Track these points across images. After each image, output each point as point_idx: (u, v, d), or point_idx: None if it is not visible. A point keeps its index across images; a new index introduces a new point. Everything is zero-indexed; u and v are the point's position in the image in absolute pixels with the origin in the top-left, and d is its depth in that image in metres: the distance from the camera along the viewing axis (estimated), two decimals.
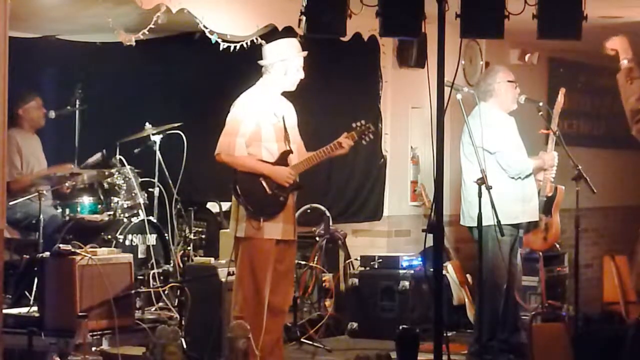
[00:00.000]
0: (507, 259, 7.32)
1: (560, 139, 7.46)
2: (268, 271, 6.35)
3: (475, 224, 7.27)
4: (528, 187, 7.43)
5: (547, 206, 7.57)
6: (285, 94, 6.62)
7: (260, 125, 6.38)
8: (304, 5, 5.65)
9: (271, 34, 7.67)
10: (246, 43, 7.35)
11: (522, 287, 7.97)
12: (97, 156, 8.31)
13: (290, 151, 6.46)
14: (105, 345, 6.70)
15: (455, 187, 8.37)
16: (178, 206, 8.39)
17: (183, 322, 6.97)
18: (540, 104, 7.63)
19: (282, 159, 6.43)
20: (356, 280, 8.53)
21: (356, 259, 8.77)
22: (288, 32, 7.52)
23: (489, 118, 7.25)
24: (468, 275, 8.70)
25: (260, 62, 6.51)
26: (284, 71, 6.46)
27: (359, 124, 6.51)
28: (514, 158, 7.34)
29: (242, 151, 6.34)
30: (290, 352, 7.51)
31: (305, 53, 6.57)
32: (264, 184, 6.35)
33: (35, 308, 7.03)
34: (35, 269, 7.20)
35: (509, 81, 7.54)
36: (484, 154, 7.12)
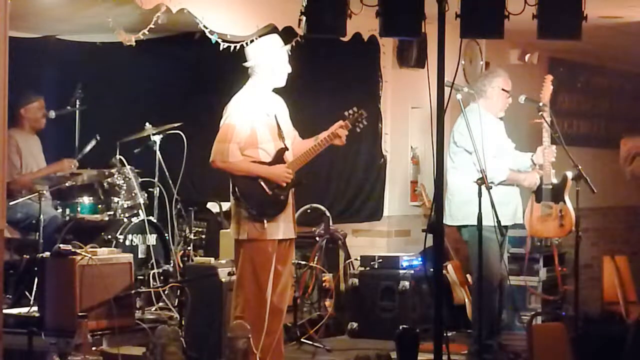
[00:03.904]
0: (497, 259, 7.33)
1: (560, 139, 7.46)
2: (270, 272, 6.34)
3: (460, 223, 7.44)
4: (505, 190, 7.41)
5: (555, 193, 7.49)
6: (284, 94, 6.61)
7: (255, 128, 6.35)
8: (304, 5, 5.65)
9: (270, 34, 7.67)
10: (246, 43, 7.34)
11: (510, 287, 7.91)
12: (92, 144, 8.32)
13: (286, 148, 6.45)
14: (105, 345, 6.70)
15: None
16: (178, 206, 8.39)
17: (183, 322, 6.97)
18: (541, 104, 7.63)
19: (278, 157, 6.41)
20: (356, 280, 8.53)
21: (356, 259, 8.77)
22: (288, 32, 7.53)
23: (477, 119, 7.19)
24: (468, 275, 8.71)
25: (245, 64, 6.50)
26: (271, 69, 6.44)
27: (351, 111, 6.47)
28: (488, 164, 7.17)
29: (236, 156, 6.32)
30: (290, 352, 7.50)
31: (288, 46, 6.55)
32: (263, 185, 6.34)
33: (35, 308, 7.03)
34: (35, 269, 7.20)
35: (503, 89, 7.54)
36: (461, 151, 7.26)
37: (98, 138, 8.32)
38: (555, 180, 7.52)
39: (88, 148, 8.34)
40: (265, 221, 6.30)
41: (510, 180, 7.44)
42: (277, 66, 6.45)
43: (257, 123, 6.37)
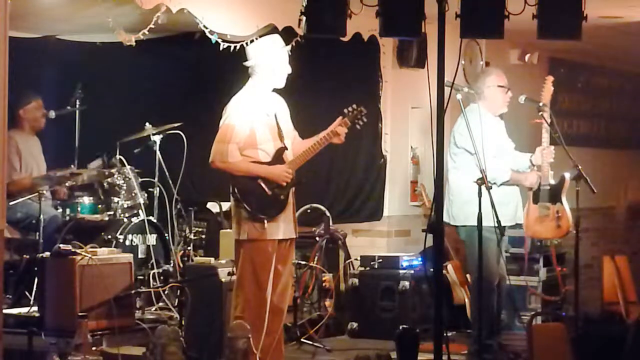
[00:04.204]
0: (495, 259, 7.33)
1: (560, 139, 7.45)
2: (270, 272, 6.34)
3: (462, 224, 7.42)
4: (505, 190, 7.41)
5: (553, 194, 7.49)
6: (284, 94, 6.60)
7: (254, 128, 6.35)
8: (304, 5, 5.66)
9: (271, 34, 7.67)
10: (246, 43, 7.34)
11: (510, 287, 7.91)
12: (98, 163, 8.30)
13: (285, 148, 6.44)
14: (105, 345, 6.70)
15: None
16: (178, 206, 8.39)
17: (183, 322, 6.97)
18: (541, 104, 7.63)
19: (278, 157, 6.41)
20: (356, 280, 8.53)
21: (356, 259, 8.77)
22: (288, 32, 7.53)
23: (477, 119, 7.19)
24: (468, 275, 8.70)
25: (245, 63, 6.50)
26: (271, 69, 6.43)
27: (350, 108, 6.46)
28: (489, 164, 7.17)
29: (236, 156, 6.31)
30: (290, 352, 7.50)
31: (289, 47, 6.54)
32: (263, 185, 6.33)
33: (35, 308, 7.03)
34: (35, 269, 7.20)
35: (499, 86, 7.53)
36: (462, 152, 7.26)
37: (105, 157, 8.29)
38: (553, 181, 7.52)
39: (94, 171, 8.29)
40: (265, 221, 6.29)
41: (512, 181, 7.45)
42: (278, 66, 6.44)
43: (256, 123, 6.37)
